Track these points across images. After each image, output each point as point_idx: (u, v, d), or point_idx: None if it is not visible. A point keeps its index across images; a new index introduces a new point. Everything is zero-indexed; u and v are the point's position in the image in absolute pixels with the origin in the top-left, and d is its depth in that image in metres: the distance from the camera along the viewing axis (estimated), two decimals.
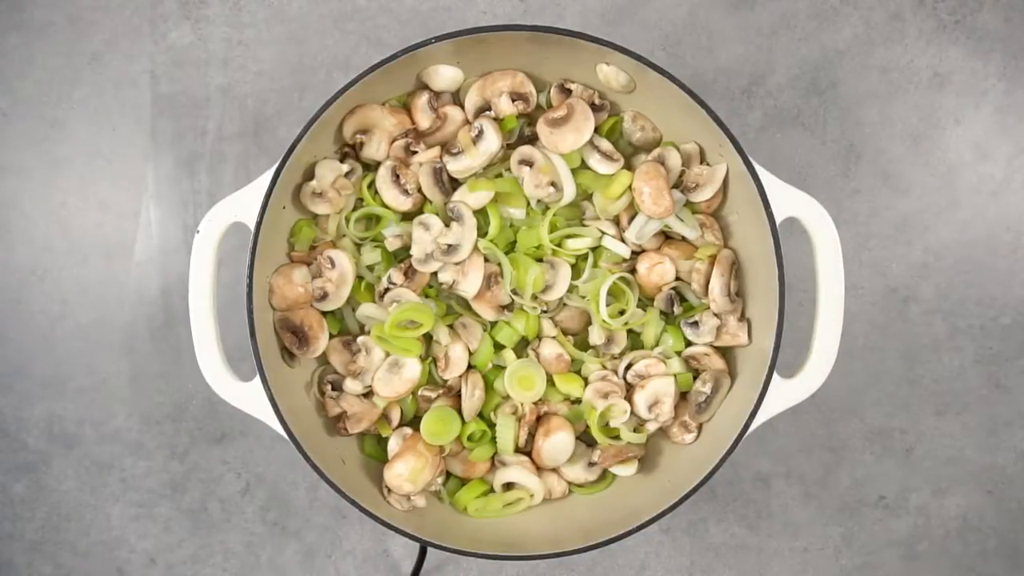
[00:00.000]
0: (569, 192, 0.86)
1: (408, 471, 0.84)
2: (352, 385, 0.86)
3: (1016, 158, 1.01)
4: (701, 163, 0.86)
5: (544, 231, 0.86)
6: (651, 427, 0.89)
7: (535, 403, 0.89)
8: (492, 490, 0.90)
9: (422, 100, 0.86)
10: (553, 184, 0.85)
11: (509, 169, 0.87)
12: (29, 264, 1.04)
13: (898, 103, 1.01)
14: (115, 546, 1.06)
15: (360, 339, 0.87)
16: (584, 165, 0.87)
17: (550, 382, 0.89)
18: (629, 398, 0.88)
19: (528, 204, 0.87)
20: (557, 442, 0.88)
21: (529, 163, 0.85)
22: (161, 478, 1.05)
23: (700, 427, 0.89)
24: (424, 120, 0.86)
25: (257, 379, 0.79)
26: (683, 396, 0.89)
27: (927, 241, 1.01)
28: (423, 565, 1.01)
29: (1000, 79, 1.00)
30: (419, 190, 0.86)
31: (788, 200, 0.80)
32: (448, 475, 0.91)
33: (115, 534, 1.06)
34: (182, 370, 1.04)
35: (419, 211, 0.88)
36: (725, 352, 0.89)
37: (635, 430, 0.89)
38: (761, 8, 1.00)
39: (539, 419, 0.90)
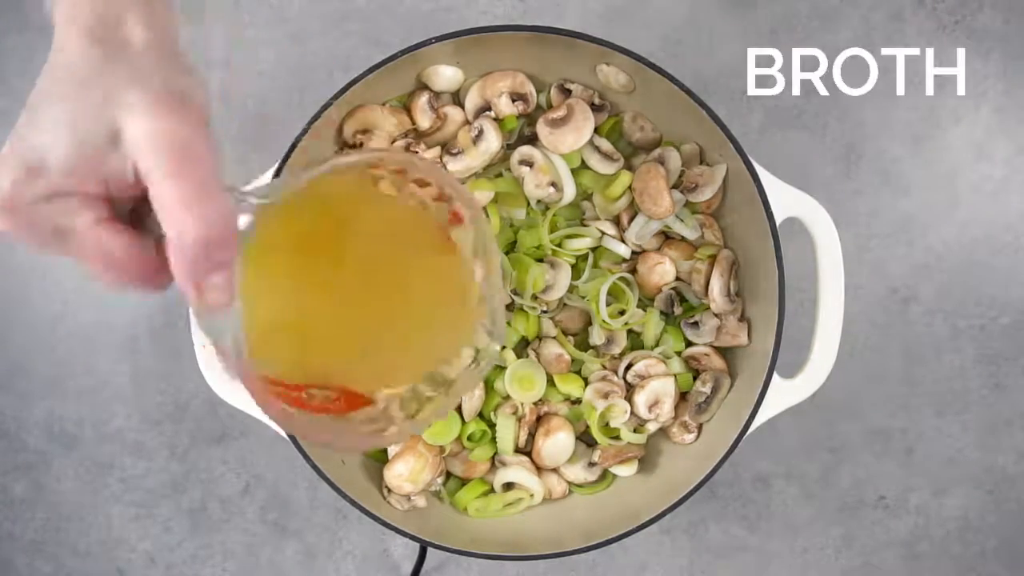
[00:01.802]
0: (569, 192, 0.86)
1: (408, 471, 0.84)
2: None
3: (1016, 158, 1.01)
4: (701, 163, 0.86)
5: (544, 231, 0.85)
6: (651, 427, 0.89)
7: (535, 403, 0.89)
8: (492, 490, 0.90)
9: (422, 100, 0.86)
10: (553, 184, 0.85)
11: (509, 169, 0.87)
12: (29, 264, 1.04)
13: (898, 103, 1.01)
14: (115, 546, 1.06)
15: None
16: (584, 165, 0.87)
17: (550, 382, 0.89)
18: (629, 398, 0.88)
19: (528, 204, 0.87)
20: (557, 442, 0.88)
21: (529, 163, 0.85)
22: (161, 478, 1.05)
23: (700, 427, 0.89)
24: (424, 120, 0.86)
25: None
26: (683, 396, 0.89)
27: (927, 241, 1.01)
28: (423, 565, 1.01)
29: (1000, 79, 1.00)
30: None
31: (788, 200, 0.80)
32: (448, 475, 0.91)
33: (115, 534, 1.06)
34: (182, 370, 1.04)
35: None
36: (725, 352, 0.89)
37: (635, 430, 0.89)
38: (761, 8, 1.00)
39: (539, 419, 0.90)
